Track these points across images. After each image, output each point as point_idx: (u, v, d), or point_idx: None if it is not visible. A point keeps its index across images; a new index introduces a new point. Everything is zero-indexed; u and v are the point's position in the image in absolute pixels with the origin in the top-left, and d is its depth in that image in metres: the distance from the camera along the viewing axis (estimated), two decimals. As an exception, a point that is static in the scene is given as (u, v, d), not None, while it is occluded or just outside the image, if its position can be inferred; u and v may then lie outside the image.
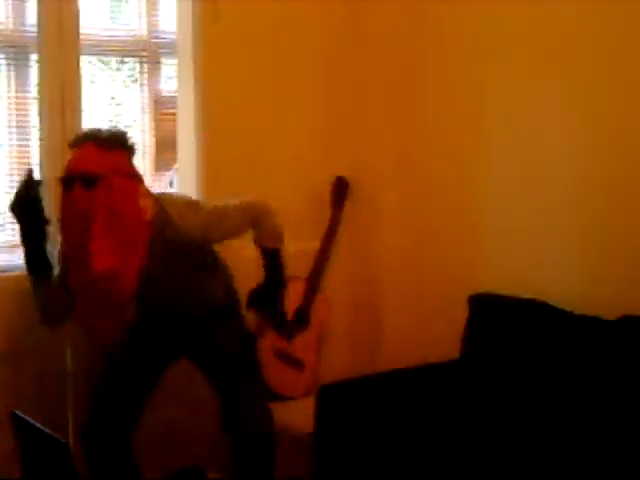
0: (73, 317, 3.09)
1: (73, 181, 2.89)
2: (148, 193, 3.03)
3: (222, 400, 3.29)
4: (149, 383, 3.31)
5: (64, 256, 3.05)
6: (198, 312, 3.24)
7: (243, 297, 3.41)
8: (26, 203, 2.97)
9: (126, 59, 3.95)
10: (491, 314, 3.44)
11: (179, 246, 3.06)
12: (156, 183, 4.09)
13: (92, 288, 2.93)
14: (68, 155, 3.02)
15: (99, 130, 3.00)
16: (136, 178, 3.00)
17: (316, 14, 4.11)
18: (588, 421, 3.00)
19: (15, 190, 3.03)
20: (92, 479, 3.23)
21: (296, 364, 4.05)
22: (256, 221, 3.19)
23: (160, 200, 3.03)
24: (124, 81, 3.98)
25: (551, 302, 3.28)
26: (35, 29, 3.57)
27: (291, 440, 3.48)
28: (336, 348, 4.24)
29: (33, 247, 3.01)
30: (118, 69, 3.98)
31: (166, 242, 3.00)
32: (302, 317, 4.06)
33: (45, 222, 3.01)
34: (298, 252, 4.05)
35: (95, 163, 2.90)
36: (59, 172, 3.56)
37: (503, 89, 3.67)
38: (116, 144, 2.95)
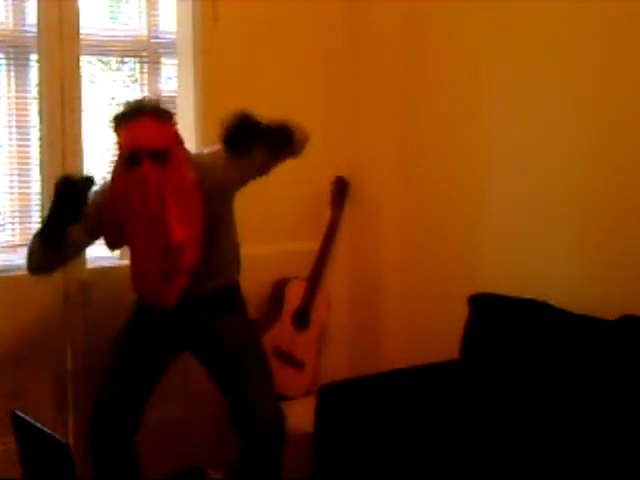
0: (135, 284, 3.11)
1: (140, 157, 2.87)
2: (188, 155, 3.05)
3: (232, 397, 3.24)
4: (153, 376, 3.27)
5: (113, 229, 3.01)
6: (223, 284, 3.23)
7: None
8: (76, 192, 2.88)
9: (126, 59, 3.95)
10: (491, 314, 3.44)
11: (218, 206, 3.07)
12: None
13: (164, 259, 2.95)
14: (125, 130, 2.91)
15: (145, 101, 3.00)
16: (183, 144, 3.02)
17: (316, 14, 4.12)
18: (588, 421, 3.00)
19: (70, 177, 2.93)
20: (95, 477, 3.22)
21: (296, 364, 4.06)
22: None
23: (193, 160, 3.04)
24: (124, 81, 3.98)
25: (551, 302, 3.28)
26: (35, 29, 3.57)
27: (291, 440, 3.48)
28: (336, 348, 4.25)
29: (59, 226, 2.93)
30: (118, 69, 3.98)
31: (208, 201, 3.00)
32: (302, 317, 4.07)
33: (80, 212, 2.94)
34: (298, 252, 4.07)
35: (161, 137, 2.90)
36: (59, 172, 3.58)
37: (503, 90, 3.67)
38: (165, 115, 2.96)
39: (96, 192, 3.05)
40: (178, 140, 3.01)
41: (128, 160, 2.91)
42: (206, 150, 3.24)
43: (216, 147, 3.05)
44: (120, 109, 3.01)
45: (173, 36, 3.95)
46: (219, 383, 3.28)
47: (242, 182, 3.13)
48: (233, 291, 3.29)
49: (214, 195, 3.03)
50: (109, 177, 3.12)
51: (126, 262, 3.23)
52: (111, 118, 3.01)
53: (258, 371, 3.25)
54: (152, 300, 3.11)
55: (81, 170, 3.60)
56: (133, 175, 2.90)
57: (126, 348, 3.25)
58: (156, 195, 2.89)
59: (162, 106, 3.01)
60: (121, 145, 2.96)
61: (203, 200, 2.99)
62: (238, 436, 3.24)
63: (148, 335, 3.24)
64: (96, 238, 3.13)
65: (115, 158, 3.07)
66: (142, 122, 2.90)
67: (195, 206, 2.97)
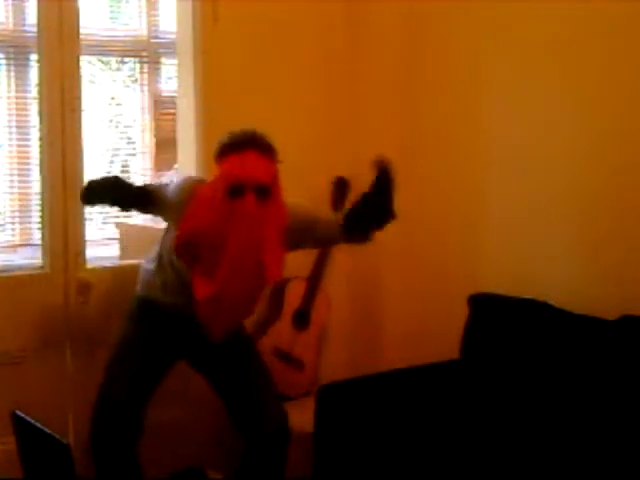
0: (194, 309, 3.04)
1: (244, 189, 2.85)
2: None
3: (235, 402, 3.23)
4: (157, 376, 3.25)
5: (198, 244, 2.97)
6: None
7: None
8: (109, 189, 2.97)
9: (126, 59, 3.96)
10: (491, 314, 3.44)
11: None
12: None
13: (248, 294, 2.97)
14: (230, 161, 2.90)
15: (254, 134, 2.95)
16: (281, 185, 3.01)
17: (316, 14, 4.12)
18: (588, 421, 3.00)
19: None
20: (96, 478, 3.21)
21: (296, 364, 4.06)
22: None
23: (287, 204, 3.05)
24: (124, 81, 3.99)
25: (551, 302, 3.28)
26: (35, 29, 3.57)
27: (291, 440, 3.48)
28: (336, 348, 4.25)
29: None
30: (118, 69, 3.98)
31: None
32: (302, 317, 4.07)
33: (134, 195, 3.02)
34: (298, 252, 4.06)
35: (268, 173, 2.89)
36: (59, 172, 3.58)
37: (503, 90, 3.67)
38: (273, 151, 2.95)
39: (193, 183, 3.07)
40: (279, 179, 2.98)
41: (232, 190, 2.86)
42: (304, 205, 3.21)
43: (315, 209, 3.11)
44: (228, 138, 2.97)
45: (173, 36, 3.95)
46: (219, 388, 3.27)
47: (307, 247, 3.22)
48: None
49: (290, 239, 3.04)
50: (203, 178, 3.13)
51: (126, 262, 3.23)
52: (219, 145, 2.96)
53: (260, 374, 3.25)
54: (211, 333, 3.06)
55: (81, 171, 3.62)
56: (236, 206, 2.86)
57: (130, 349, 3.24)
58: (251, 231, 2.88)
59: (270, 142, 2.97)
60: (225, 174, 2.91)
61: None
62: (240, 438, 3.24)
63: (153, 335, 3.21)
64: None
65: (215, 180, 2.99)
66: (251, 155, 2.88)
67: (285, 245, 2.98)
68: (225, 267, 2.92)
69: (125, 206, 3.07)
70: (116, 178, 3.06)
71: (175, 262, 3.08)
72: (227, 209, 2.87)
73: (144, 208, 3.13)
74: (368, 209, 2.94)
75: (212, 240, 2.91)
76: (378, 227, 2.99)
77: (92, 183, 2.98)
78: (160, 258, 3.17)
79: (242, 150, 2.88)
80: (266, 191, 2.87)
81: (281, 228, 2.96)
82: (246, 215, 2.86)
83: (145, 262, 3.28)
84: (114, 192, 2.99)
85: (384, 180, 2.93)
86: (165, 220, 3.17)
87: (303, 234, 3.07)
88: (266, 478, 3.22)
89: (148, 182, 3.22)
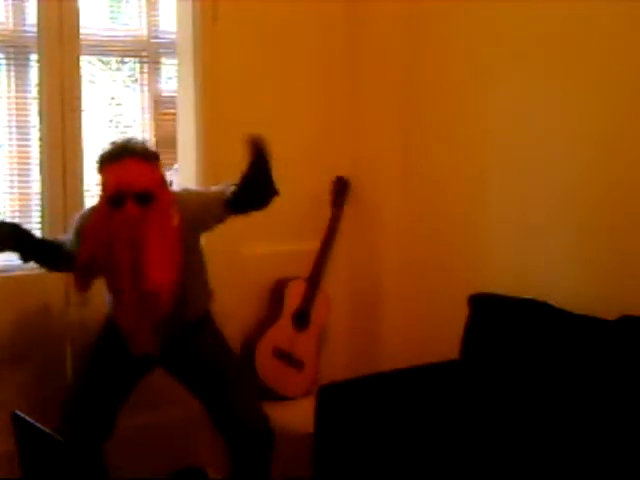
0: (117, 323, 3.10)
1: (124, 198, 2.87)
2: (173, 197, 3.03)
3: (214, 406, 3.22)
4: (123, 392, 3.24)
5: (96, 263, 3.01)
6: (197, 315, 3.22)
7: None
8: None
9: (126, 59, 3.96)
10: (491, 314, 3.44)
11: (192, 244, 3.08)
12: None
13: (141, 302, 2.95)
14: (110, 171, 2.93)
15: (130, 142, 2.98)
16: (168, 187, 3.01)
17: (316, 14, 4.12)
18: (588, 421, 2.99)
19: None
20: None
21: (296, 364, 4.06)
22: None
23: (178, 200, 3.04)
24: (124, 81, 3.98)
25: (551, 302, 3.28)
26: (35, 29, 3.57)
27: (291, 440, 3.48)
28: (336, 348, 4.25)
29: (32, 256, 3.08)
30: (118, 69, 3.98)
31: (186, 243, 3.02)
32: (302, 317, 4.07)
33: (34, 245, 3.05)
34: (298, 252, 4.06)
35: (147, 179, 2.90)
36: (59, 172, 3.59)
37: (504, 90, 3.67)
38: (153, 156, 2.96)
39: (82, 217, 3.11)
40: (163, 182, 3.00)
41: (112, 201, 2.90)
42: (195, 189, 3.25)
43: (206, 189, 3.09)
44: (106, 149, 2.99)
45: (173, 36, 3.95)
46: (198, 394, 3.25)
47: (213, 226, 3.14)
48: (205, 319, 3.28)
49: (190, 229, 3.05)
50: (93, 205, 3.12)
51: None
52: (97, 158, 3.00)
53: (237, 377, 3.25)
54: (133, 346, 3.08)
55: (81, 171, 3.62)
56: (117, 216, 2.90)
57: (97, 364, 3.23)
58: (134, 238, 2.89)
59: (149, 147, 3.01)
60: (106, 185, 2.95)
61: (182, 241, 2.99)
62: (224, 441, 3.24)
63: (120, 352, 3.16)
64: None
65: (99, 196, 3.04)
66: (128, 163, 2.90)
67: (175, 250, 2.96)
68: (113, 281, 2.99)
69: (29, 255, 3.06)
70: (14, 226, 3.06)
71: None
72: (112, 220, 2.90)
73: (53, 262, 3.13)
74: (248, 191, 2.93)
75: (103, 255, 2.95)
76: (262, 206, 2.99)
77: None
78: None
79: (119, 159, 2.91)
80: (147, 197, 2.88)
81: (170, 230, 2.95)
82: (123, 222, 2.87)
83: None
84: (14, 240, 3.00)
85: (260, 159, 2.89)
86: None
87: (202, 217, 3.06)
88: (251, 478, 3.22)
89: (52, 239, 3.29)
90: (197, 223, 3.07)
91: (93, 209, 3.11)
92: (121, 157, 2.91)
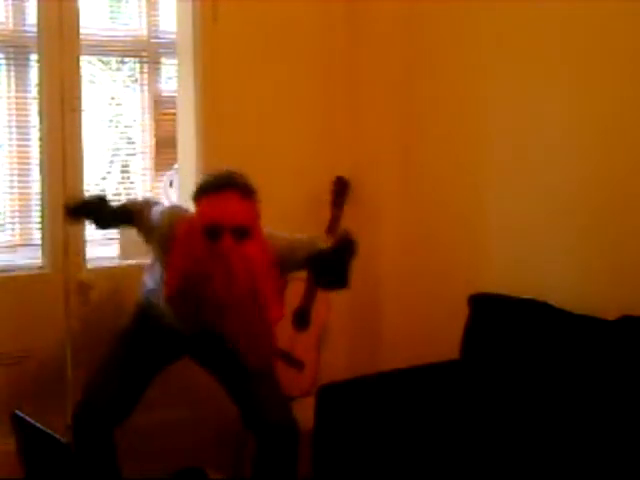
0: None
1: (220, 231, 2.85)
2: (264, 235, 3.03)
3: (243, 400, 3.22)
4: (149, 377, 3.24)
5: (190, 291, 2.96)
6: None
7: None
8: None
9: (126, 59, 3.96)
10: (491, 314, 3.44)
11: None
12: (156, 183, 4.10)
13: (253, 334, 2.97)
14: (207, 203, 2.89)
15: (233, 175, 2.96)
16: (261, 225, 3.00)
17: (316, 14, 4.12)
18: (588, 421, 2.99)
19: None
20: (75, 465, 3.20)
21: (296, 364, 4.06)
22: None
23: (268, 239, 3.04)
24: (124, 81, 3.98)
25: (551, 302, 3.28)
26: (35, 29, 3.57)
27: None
28: (336, 348, 4.25)
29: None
30: (118, 69, 3.98)
31: None
32: (302, 317, 4.07)
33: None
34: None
35: (245, 214, 2.88)
36: (59, 172, 3.59)
37: (503, 89, 3.67)
38: (251, 191, 2.94)
39: (174, 212, 3.11)
40: (258, 219, 2.98)
41: (208, 232, 2.86)
42: (280, 234, 3.18)
43: (292, 236, 3.10)
44: (207, 179, 2.98)
45: (173, 36, 3.95)
46: (227, 388, 3.26)
47: (294, 272, 3.28)
48: None
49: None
50: (186, 214, 3.09)
51: (126, 262, 3.23)
52: (198, 185, 2.97)
53: (266, 373, 3.25)
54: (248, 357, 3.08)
55: (81, 171, 3.63)
56: (214, 248, 2.86)
57: (128, 348, 3.23)
58: (239, 274, 2.86)
59: (249, 183, 2.96)
60: (202, 215, 2.92)
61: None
62: (240, 438, 3.23)
63: (152, 339, 3.21)
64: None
65: (192, 223, 2.97)
66: (227, 197, 2.87)
67: (276, 280, 2.99)
68: (220, 307, 2.93)
69: (106, 224, 3.26)
70: (99, 197, 3.22)
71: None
72: (206, 250, 2.87)
73: (126, 225, 3.25)
74: (322, 267, 2.99)
75: (200, 281, 2.90)
76: (326, 287, 3.07)
77: (78, 201, 3.21)
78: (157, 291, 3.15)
79: (220, 191, 2.89)
80: (244, 232, 2.87)
81: (270, 263, 2.95)
82: (222, 256, 2.85)
83: (146, 277, 3.26)
84: (96, 210, 3.15)
85: (347, 248, 2.98)
86: (146, 242, 3.17)
87: (286, 259, 3.06)
88: (278, 474, 3.21)
89: (134, 200, 3.33)
90: (280, 265, 3.05)
91: (186, 216, 3.06)
92: (222, 189, 2.89)
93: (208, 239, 2.86)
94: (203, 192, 2.92)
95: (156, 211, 3.11)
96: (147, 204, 3.21)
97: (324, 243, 3.04)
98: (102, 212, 3.16)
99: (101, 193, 3.48)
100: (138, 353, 3.23)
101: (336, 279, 2.97)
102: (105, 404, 3.15)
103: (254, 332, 2.98)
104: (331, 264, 2.95)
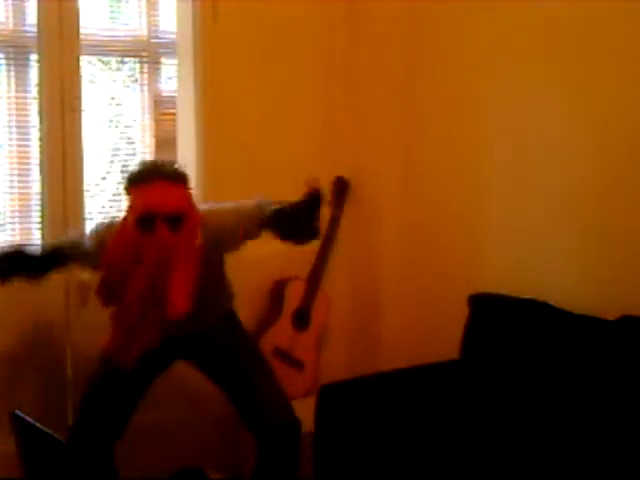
0: (113, 331, 3.03)
1: (154, 220, 2.84)
2: (199, 218, 2.99)
3: (242, 401, 3.22)
4: (142, 390, 3.23)
5: (111, 283, 2.99)
6: (215, 317, 3.21)
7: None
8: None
9: (126, 59, 3.95)
10: (491, 314, 3.44)
11: (214, 261, 3.07)
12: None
13: (152, 321, 2.92)
14: (141, 193, 2.89)
15: (161, 164, 2.96)
16: (196, 207, 2.98)
17: (316, 14, 4.12)
18: (588, 421, 3.00)
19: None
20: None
21: (296, 364, 4.06)
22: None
23: (202, 218, 3.01)
24: (124, 81, 3.98)
25: (551, 302, 3.28)
26: (35, 29, 3.57)
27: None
28: (336, 348, 4.25)
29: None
30: (118, 69, 3.98)
31: (207, 259, 2.99)
32: (302, 317, 4.07)
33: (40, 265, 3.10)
34: (298, 252, 4.05)
35: (178, 201, 2.87)
36: (59, 172, 3.59)
37: (504, 90, 3.67)
38: (181, 177, 2.93)
39: (109, 226, 3.09)
40: (192, 203, 2.97)
41: (142, 221, 2.86)
42: (220, 206, 3.17)
43: (234, 205, 3.05)
44: (135, 169, 2.97)
45: (173, 36, 3.95)
46: (227, 390, 3.25)
47: (241, 244, 3.11)
48: (229, 318, 3.28)
49: (212, 249, 3.02)
50: (119, 219, 3.06)
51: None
52: (126, 178, 2.98)
53: (263, 371, 3.25)
54: (119, 354, 3.02)
55: (81, 171, 3.63)
56: (147, 238, 2.86)
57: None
58: (161, 261, 2.85)
59: (178, 168, 2.96)
60: (134, 206, 2.92)
61: (203, 260, 2.96)
62: (240, 438, 3.22)
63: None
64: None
65: (125, 214, 2.99)
66: (159, 185, 2.87)
67: (196, 269, 2.93)
68: (130, 298, 2.92)
69: (38, 273, 3.11)
70: (17, 249, 3.12)
71: None
72: (138, 241, 2.87)
73: (62, 267, 3.19)
74: (292, 219, 2.94)
75: (126, 271, 2.91)
76: (299, 240, 3.00)
77: None
78: None
79: (150, 181, 2.88)
80: (178, 220, 2.86)
81: (194, 251, 2.92)
82: (157, 245, 2.84)
83: None
84: (20, 265, 3.06)
85: (314, 199, 2.94)
86: (92, 270, 3.17)
87: (224, 237, 3.04)
88: (280, 473, 3.21)
89: (58, 241, 3.28)
90: (219, 243, 3.04)
91: (119, 223, 3.05)
92: (151, 178, 2.89)
93: (141, 230, 2.86)
94: (132, 184, 2.93)
95: (86, 238, 3.14)
96: (76, 238, 3.21)
97: (272, 205, 2.98)
98: (29, 262, 3.07)
99: (16, 245, 3.28)
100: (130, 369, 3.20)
101: (307, 231, 2.94)
102: (102, 424, 3.13)
103: (138, 326, 2.94)
104: (299, 218, 2.92)
